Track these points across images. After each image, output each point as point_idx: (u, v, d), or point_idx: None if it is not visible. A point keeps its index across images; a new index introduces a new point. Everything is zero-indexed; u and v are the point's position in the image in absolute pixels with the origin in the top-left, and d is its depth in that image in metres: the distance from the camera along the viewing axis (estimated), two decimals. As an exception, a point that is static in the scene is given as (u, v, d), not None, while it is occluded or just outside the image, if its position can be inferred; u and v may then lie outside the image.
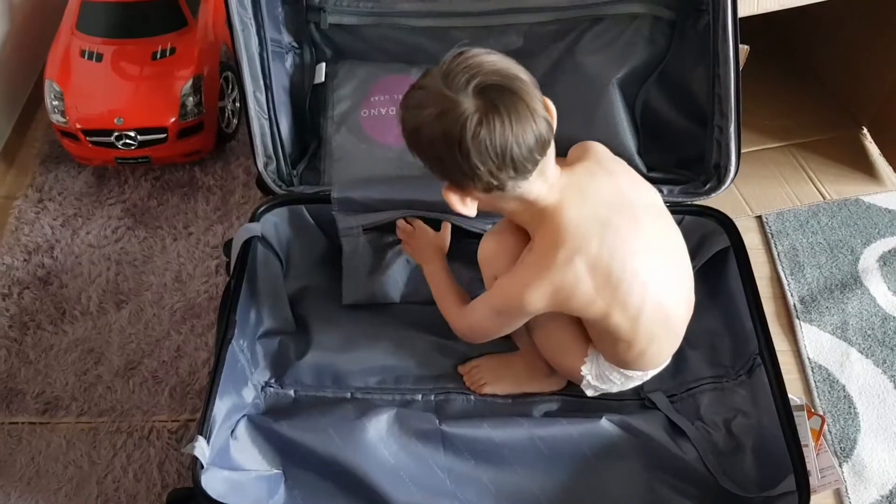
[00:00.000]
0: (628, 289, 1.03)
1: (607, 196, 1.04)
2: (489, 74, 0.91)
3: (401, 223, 1.34)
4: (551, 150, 0.98)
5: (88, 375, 1.34)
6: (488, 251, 1.16)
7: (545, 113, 0.94)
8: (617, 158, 1.10)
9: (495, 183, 0.95)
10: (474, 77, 0.90)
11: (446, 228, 1.31)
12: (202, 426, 1.08)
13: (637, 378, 1.17)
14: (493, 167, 0.92)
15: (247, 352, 1.24)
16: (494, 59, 0.93)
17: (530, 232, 1.05)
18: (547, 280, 1.01)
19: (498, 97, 0.90)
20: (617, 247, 1.02)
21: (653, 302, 1.05)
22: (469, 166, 0.92)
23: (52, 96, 1.54)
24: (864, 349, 1.36)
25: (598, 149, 1.09)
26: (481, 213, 1.04)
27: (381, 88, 1.46)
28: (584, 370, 1.17)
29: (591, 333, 1.14)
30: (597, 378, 1.17)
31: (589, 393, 1.21)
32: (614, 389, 1.20)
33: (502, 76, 0.91)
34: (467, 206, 1.00)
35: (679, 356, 1.28)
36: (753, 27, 1.27)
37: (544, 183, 0.99)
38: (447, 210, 1.32)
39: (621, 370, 1.15)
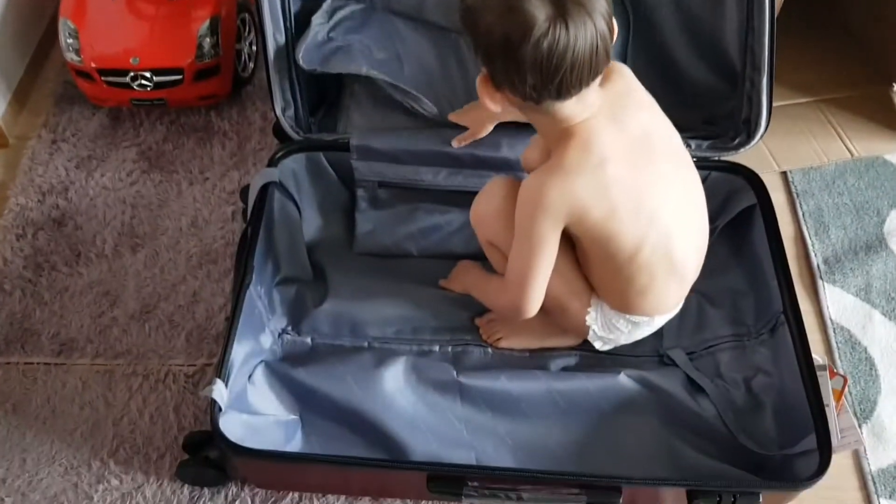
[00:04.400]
0: (635, 217, 1.02)
1: (632, 127, 1.02)
2: None
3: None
4: (596, 82, 0.96)
5: (104, 318, 1.34)
6: (480, 209, 1.16)
7: (608, 40, 0.91)
8: (646, 92, 1.07)
9: (534, 96, 0.93)
10: None
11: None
12: (220, 370, 1.07)
13: (644, 325, 1.15)
14: (538, 82, 0.91)
15: (264, 298, 1.24)
16: None
17: (552, 145, 1.03)
18: (571, 183, 0.99)
19: (572, 12, 0.87)
20: (634, 175, 1.01)
21: (657, 236, 1.04)
22: (516, 73, 0.91)
23: (67, 34, 1.51)
24: (887, 311, 1.34)
25: (630, 74, 1.06)
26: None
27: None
28: (589, 319, 1.15)
29: (588, 266, 1.11)
30: (603, 328, 1.16)
31: (598, 346, 1.20)
32: (622, 340, 1.18)
33: None
34: (495, 103, 0.98)
35: (700, 314, 1.27)
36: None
37: (579, 105, 0.97)
38: (466, 164, 1.32)
39: (626, 316, 1.13)
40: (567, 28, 0.87)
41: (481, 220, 1.17)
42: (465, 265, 1.32)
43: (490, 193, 1.15)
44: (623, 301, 1.11)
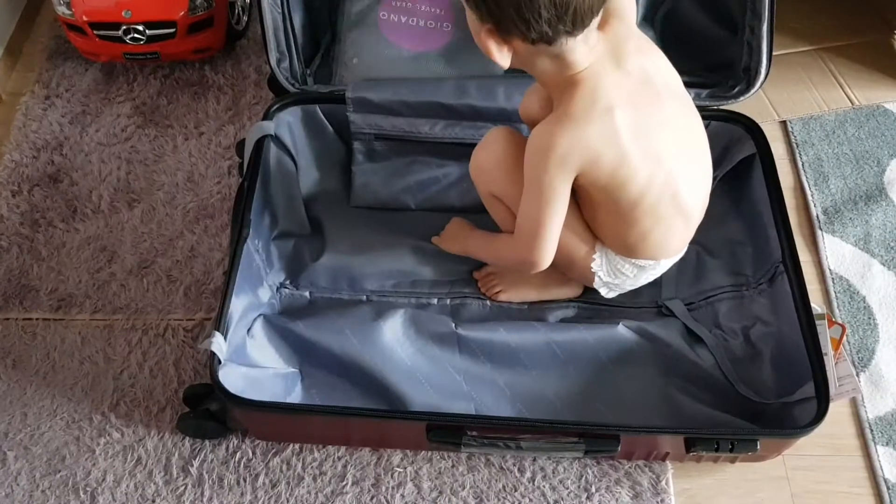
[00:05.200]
0: (643, 160, 1.01)
1: (635, 71, 1.00)
2: None
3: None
4: (599, 16, 0.94)
5: (102, 273, 1.33)
6: (480, 160, 1.14)
7: None
8: (644, 35, 1.06)
9: (548, 33, 0.91)
10: None
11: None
12: (218, 323, 1.07)
13: (650, 269, 1.14)
14: (552, 15, 0.89)
15: (262, 252, 1.23)
16: None
17: (556, 96, 1.01)
18: (582, 131, 0.98)
19: None
20: (639, 118, 1.00)
21: (663, 178, 1.03)
22: (530, 10, 0.89)
23: (57, -13, 1.49)
24: (886, 261, 1.34)
25: (630, 17, 1.04)
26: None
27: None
28: (595, 266, 1.15)
29: (593, 213, 1.10)
30: (609, 273, 1.15)
31: (603, 292, 1.20)
32: (628, 285, 1.18)
33: None
34: (503, 56, 0.96)
35: (699, 265, 1.27)
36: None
37: (585, 46, 0.96)
38: (464, 116, 1.31)
39: (632, 260, 1.13)
40: None
41: (481, 171, 1.15)
42: (457, 226, 1.30)
43: (490, 144, 1.13)
44: (628, 245, 1.11)
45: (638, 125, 0.99)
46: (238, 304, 1.12)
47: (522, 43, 0.94)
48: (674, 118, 1.04)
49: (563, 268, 1.19)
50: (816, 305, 1.16)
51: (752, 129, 1.28)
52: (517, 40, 0.94)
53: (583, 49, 0.96)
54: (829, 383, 1.05)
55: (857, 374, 1.22)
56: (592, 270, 1.15)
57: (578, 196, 1.09)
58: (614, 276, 1.16)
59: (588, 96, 0.97)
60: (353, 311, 1.22)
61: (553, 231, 1.05)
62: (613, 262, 1.14)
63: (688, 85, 1.28)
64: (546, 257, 1.08)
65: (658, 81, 1.03)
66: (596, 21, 0.94)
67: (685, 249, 1.16)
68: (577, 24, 0.91)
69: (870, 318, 1.28)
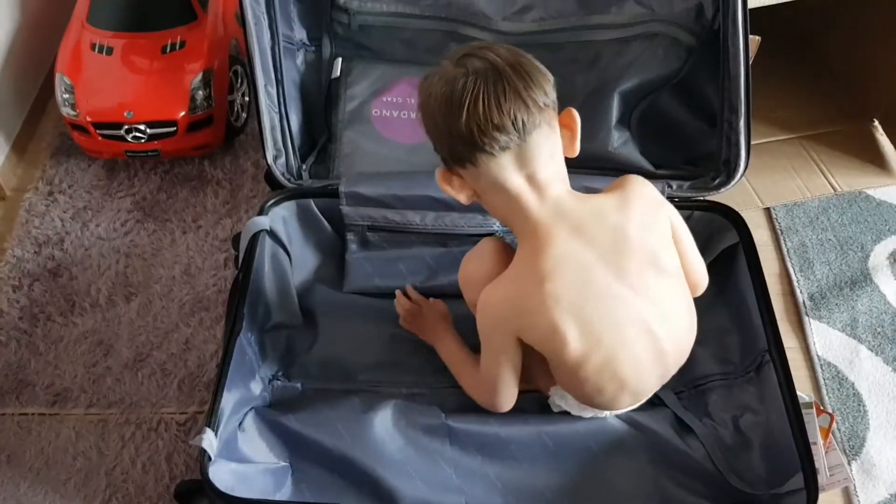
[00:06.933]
0: (575, 338, 1.01)
1: (607, 240, 1.01)
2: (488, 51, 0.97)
3: (400, 299, 1.33)
4: (537, 148, 0.97)
5: (97, 367, 1.35)
6: (468, 272, 1.16)
7: (542, 97, 0.96)
8: (651, 197, 1.06)
9: (466, 147, 0.96)
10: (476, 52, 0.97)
11: (439, 303, 1.32)
12: (210, 418, 1.08)
13: (591, 411, 1.17)
14: (464, 126, 0.94)
15: (255, 345, 1.25)
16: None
17: (517, 238, 1.05)
18: (513, 298, 1.02)
19: (493, 69, 0.95)
20: (586, 295, 1.01)
21: (599, 361, 1.03)
22: (450, 125, 0.95)
23: (63, 90, 1.55)
24: (873, 347, 1.35)
25: (633, 184, 1.05)
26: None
27: (395, 90, 1.47)
28: (552, 391, 1.19)
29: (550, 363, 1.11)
30: (561, 399, 1.18)
31: (554, 408, 1.21)
32: (574, 412, 1.19)
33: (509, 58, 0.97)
34: (455, 188, 1.02)
35: (687, 352, 1.28)
36: (764, 18, 1.27)
37: (526, 182, 0.99)
38: (454, 208, 1.34)
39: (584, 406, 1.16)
40: (490, 76, 0.94)
41: (470, 281, 1.15)
42: (434, 320, 1.29)
43: (479, 255, 1.14)
44: (578, 395, 1.13)
45: (578, 302, 1.00)
46: (230, 399, 1.13)
47: (464, 169, 0.99)
48: (637, 295, 1.03)
49: None
50: (804, 394, 1.17)
51: (734, 220, 1.31)
52: (459, 168, 1.00)
53: (520, 180, 0.98)
54: (820, 473, 1.05)
55: (849, 463, 1.22)
56: (550, 393, 1.19)
57: None
58: (564, 403, 1.19)
59: (529, 260, 1.01)
60: (343, 403, 1.22)
61: (508, 379, 1.11)
62: (568, 398, 1.17)
63: (668, 177, 1.34)
64: (506, 402, 1.15)
65: (631, 247, 1.02)
66: (525, 148, 0.96)
67: (639, 404, 1.18)
68: (486, 135, 0.94)
69: (859, 405, 1.28)
